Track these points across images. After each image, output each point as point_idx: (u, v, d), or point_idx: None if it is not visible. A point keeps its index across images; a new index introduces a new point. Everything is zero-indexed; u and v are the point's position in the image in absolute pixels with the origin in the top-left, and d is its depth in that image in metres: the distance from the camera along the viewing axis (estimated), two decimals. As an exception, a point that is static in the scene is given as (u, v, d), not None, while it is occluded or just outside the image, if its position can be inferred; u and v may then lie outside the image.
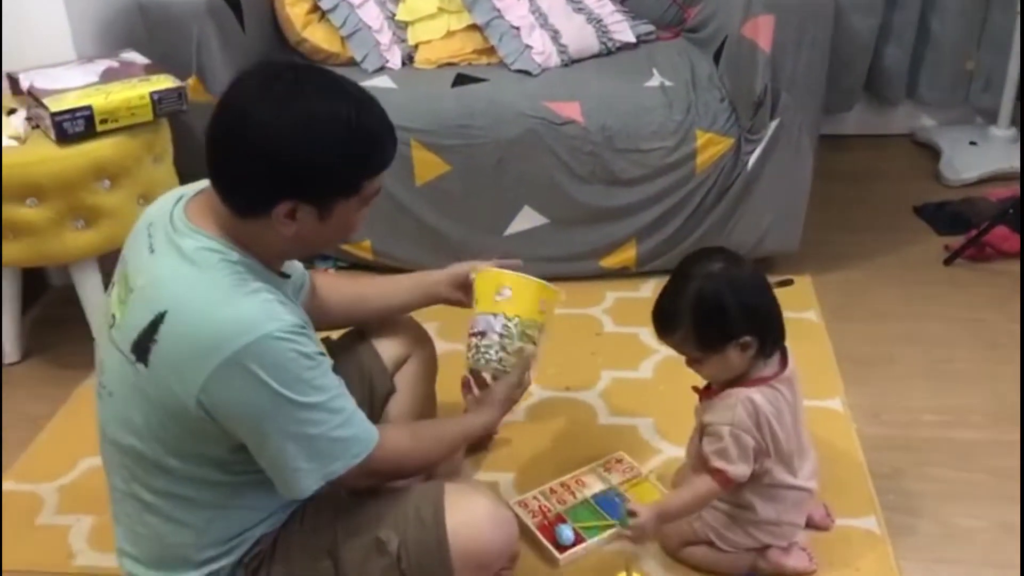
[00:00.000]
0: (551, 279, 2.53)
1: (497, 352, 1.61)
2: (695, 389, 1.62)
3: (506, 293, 1.61)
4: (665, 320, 1.54)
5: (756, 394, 1.52)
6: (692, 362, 1.56)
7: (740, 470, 1.51)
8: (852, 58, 3.07)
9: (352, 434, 1.32)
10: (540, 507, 1.80)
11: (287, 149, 1.20)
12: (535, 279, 1.64)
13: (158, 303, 1.24)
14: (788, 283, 2.51)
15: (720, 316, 1.48)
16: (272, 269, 1.34)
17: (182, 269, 1.25)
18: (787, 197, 2.42)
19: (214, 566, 1.40)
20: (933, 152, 3.15)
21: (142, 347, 1.25)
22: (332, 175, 1.25)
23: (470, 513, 1.41)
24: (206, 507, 1.35)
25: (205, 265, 1.25)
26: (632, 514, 1.55)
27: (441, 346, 2.32)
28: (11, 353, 2.34)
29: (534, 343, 1.65)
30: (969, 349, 2.25)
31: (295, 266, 1.57)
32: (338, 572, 1.41)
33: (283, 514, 1.45)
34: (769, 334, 1.54)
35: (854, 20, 2.99)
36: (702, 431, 1.57)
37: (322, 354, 1.31)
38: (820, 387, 2.11)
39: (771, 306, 1.56)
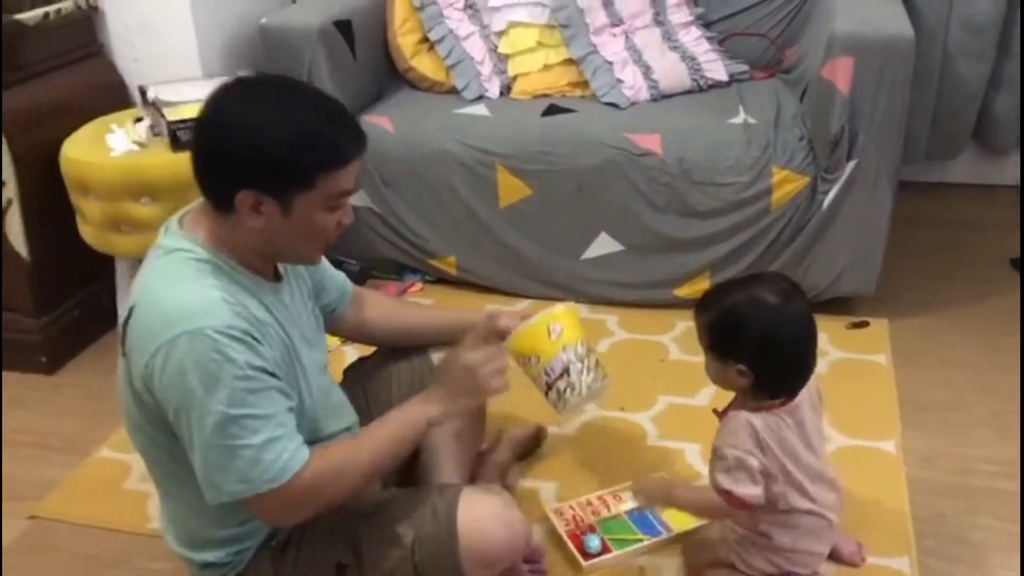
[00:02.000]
0: (625, 305, 2.61)
1: (585, 376, 1.65)
2: (715, 412, 1.67)
3: (557, 329, 1.64)
4: (703, 304, 1.62)
5: (756, 419, 1.55)
6: (705, 352, 1.63)
7: (749, 491, 1.54)
8: (958, 105, 3.04)
9: (267, 459, 1.31)
10: (574, 516, 1.87)
11: (240, 137, 1.30)
12: (563, 306, 1.70)
13: (133, 298, 1.36)
14: (863, 325, 2.50)
15: (734, 337, 1.54)
16: (253, 270, 1.40)
17: (155, 267, 1.36)
18: (864, 239, 2.41)
19: (239, 546, 1.50)
20: (1042, 205, 3.07)
21: (122, 339, 1.37)
22: (282, 163, 1.30)
23: (481, 512, 1.49)
24: None
25: (171, 261, 1.35)
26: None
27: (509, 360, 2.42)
28: (124, 338, 2.58)
29: (593, 354, 1.70)
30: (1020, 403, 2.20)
31: (334, 277, 1.68)
32: (357, 559, 1.50)
33: None
34: (771, 380, 1.56)
35: (963, 67, 2.97)
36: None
37: (264, 370, 1.32)
38: (875, 429, 2.11)
39: (792, 360, 1.57)
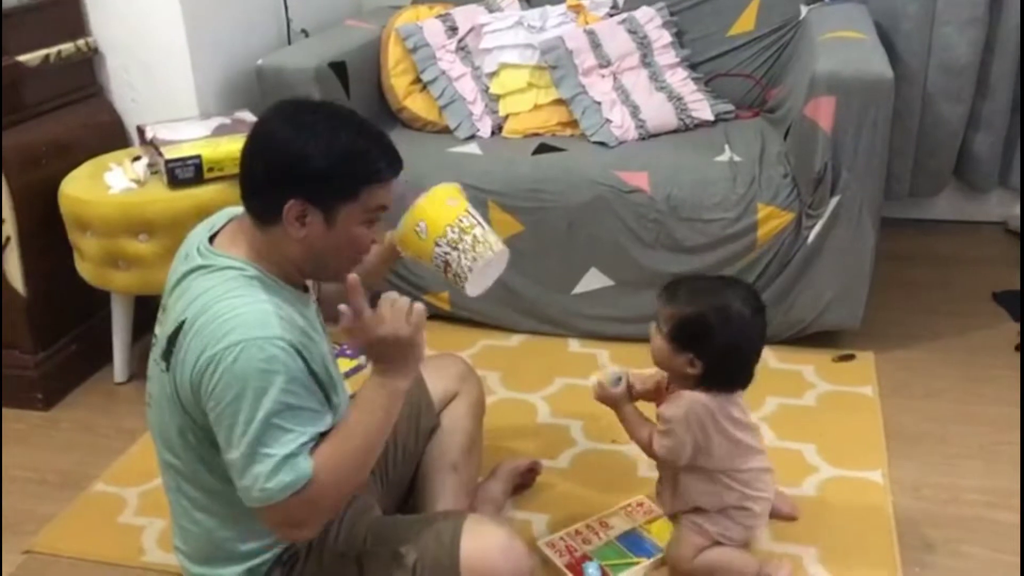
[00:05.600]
0: (617, 339, 2.62)
1: (466, 260, 1.64)
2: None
3: (422, 227, 1.64)
4: (674, 295, 1.74)
5: (702, 398, 1.71)
6: (655, 331, 1.75)
7: (667, 455, 1.74)
8: (939, 144, 3.11)
9: (285, 470, 1.34)
10: (567, 547, 1.89)
11: (293, 149, 1.38)
12: (424, 196, 1.67)
13: (181, 314, 1.40)
14: (850, 358, 2.54)
15: (700, 337, 1.68)
16: (292, 284, 1.48)
17: (203, 283, 1.41)
18: (848, 273, 2.46)
19: (256, 560, 1.53)
20: (1024, 241, 3.13)
21: (167, 353, 1.42)
22: (331, 173, 1.39)
23: (484, 541, 1.51)
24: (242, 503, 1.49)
25: (222, 279, 1.41)
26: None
27: (504, 394, 2.47)
28: (120, 373, 2.60)
29: (472, 230, 1.65)
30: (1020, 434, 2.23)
31: None
32: None
33: None
34: (721, 377, 1.71)
35: (942, 107, 3.04)
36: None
37: (304, 384, 1.36)
38: (863, 459, 2.14)
39: (746, 366, 1.73)
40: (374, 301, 1.46)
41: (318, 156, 1.38)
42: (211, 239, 1.49)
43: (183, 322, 1.39)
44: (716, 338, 1.67)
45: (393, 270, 2.43)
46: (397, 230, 1.68)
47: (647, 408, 1.83)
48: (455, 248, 1.63)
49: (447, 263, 1.64)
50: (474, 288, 1.68)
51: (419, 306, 1.44)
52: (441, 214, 1.65)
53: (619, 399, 1.79)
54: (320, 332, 1.55)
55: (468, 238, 1.65)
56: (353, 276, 1.42)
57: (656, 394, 1.85)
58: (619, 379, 1.80)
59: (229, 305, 1.37)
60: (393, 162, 1.45)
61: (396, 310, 1.42)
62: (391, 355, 1.44)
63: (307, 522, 1.42)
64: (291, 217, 1.40)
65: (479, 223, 1.68)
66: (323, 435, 1.40)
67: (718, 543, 1.79)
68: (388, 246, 1.75)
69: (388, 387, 1.44)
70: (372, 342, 1.43)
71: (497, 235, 1.70)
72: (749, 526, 1.80)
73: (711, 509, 1.79)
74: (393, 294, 1.45)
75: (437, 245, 1.64)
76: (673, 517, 1.87)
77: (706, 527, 1.79)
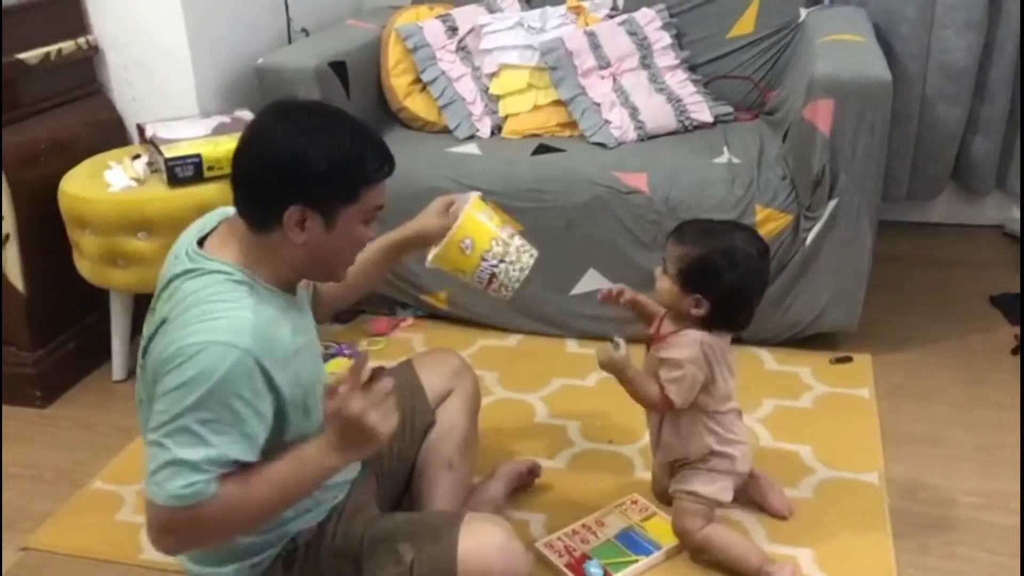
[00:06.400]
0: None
1: (513, 272, 1.68)
2: (650, 337, 1.86)
3: (468, 244, 1.66)
4: (685, 236, 1.78)
5: (707, 337, 1.76)
6: (661, 273, 1.80)
7: (682, 399, 1.76)
8: (937, 147, 3.12)
9: (190, 477, 1.30)
10: (566, 547, 1.90)
11: (294, 156, 1.37)
12: (465, 212, 1.67)
13: (161, 314, 1.40)
14: (847, 360, 2.54)
15: (709, 278, 1.73)
16: (282, 289, 1.46)
17: (190, 287, 1.40)
18: (846, 276, 2.47)
19: (255, 558, 1.54)
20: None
21: (145, 351, 1.42)
22: (331, 177, 1.38)
23: (483, 540, 1.51)
24: None
25: (206, 281, 1.39)
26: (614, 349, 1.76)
27: (501, 394, 2.47)
28: (118, 371, 2.60)
29: (513, 240, 1.69)
30: (1020, 436, 2.24)
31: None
32: (358, 574, 1.54)
33: (317, 513, 1.59)
34: (725, 318, 1.77)
35: (940, 110, 3.05)
36: (659, 364, 1.79)
37: (253, 407, 1.34)
38: (859, 461, 2.15)
39: (749, 308, 1.79)
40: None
41: (317, 161, 1.37)
42: (203, 240, 1.48)
43: (164, 321, 1.39)
44: (723, 280, 1.71)
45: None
46: (439, 249, 1.67)
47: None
48: (503, 260, 1.66)
49: (493, 275, 1.67)
50: (512, 293, 1.72)
51: (397, 413, 1.39)
52: (485, 229, 1.68)
53: (623, 363, 1.78)
54: (310, 338, 1.53)
55: (512, 249, 1.68)
56: (362, 351, 1.36)
57: (648, 324, 1.90)
58: (619, 344, 1.77)
59: (208, 308, 1.35)
60: (388, 161, 1.45)
61: (384, 407, 1.36)
62: (354, 438, 1.37)
63: (182, 537, 1.38)
64: (291, 223, 1.39)
65: (514, 233, 1.72)
66: (244, 466, 1.36)
67: (719, 503, 1.84)
68: (390, 249, 1.75)
69: (331, 459, 1.38)
70: (347, 418, 1.35)
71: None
72: (738, 472, 1.85)
73: (693, 458, 1.83)
74: (389, 386, 1.38)
75: (483, 260, 1.66)
76: (670, 491, 1.91)
77: (701, 491, 1.82)
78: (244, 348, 1.32)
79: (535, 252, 1.72)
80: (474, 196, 1.72)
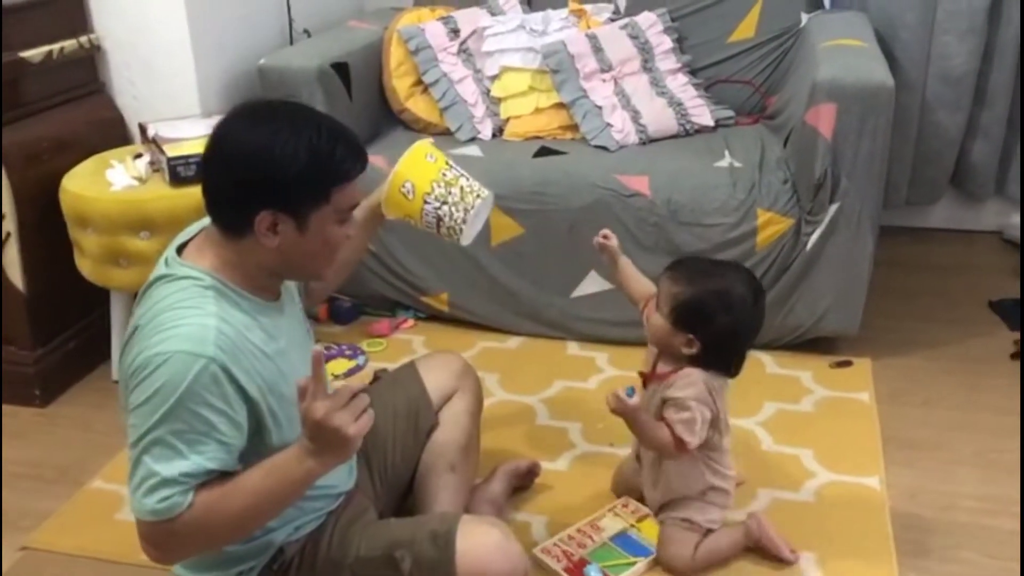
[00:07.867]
0: (616, 343, 2.62)
1: (458, 213, 1.65)
2: (641, 374, 1.85)
3: (409, 187, 1.65)
4: (679, 275, 1.76)
5: (706, 376, 1.74)
6: (655, 308, 1.78)
7: (697, 440, 1.72)
8: (937, 153, 3.13)
9: (166, 491, 1.31)
10: (563, 551, 1.89)
11: (259, 161, 1.35)
12: (405, 157, 1.67)
13: (135, 321, 1.39)
14: (847, 364, 2.55)
15: (703, 319, 1.71)
16: (258, 292, 1.44)
17: (161, 292, 1.39)
18: (847, 280, 2.47)
19: (243, 566, 1.53)
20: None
21: (122, 356, 1.41)
22: (300, 181, 1.36)
23: (479, 541, 1.51)
24: None
25: (176, 288, 1.38)
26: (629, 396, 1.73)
27: (502, 397, 2.47)
28: (117, 371, 2.59)
29: (458, 181, 1.67)
30: (1020, 441, 2.24)
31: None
32: None
33: (305, 524, 1.57)
34: (717, 359, 1.75)
35: (940, 116, 3.06)
36: (662, 405, 1.77)
37: (223, 413, 1.32)
38: (860, 465, 2.15)
39: (742, 350, 1.78)
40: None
41: (283, 164, 1.34)
42: (184, 247, 1.47)
43: (136, 328, 1.38)
44: (716, 322, 1.70)
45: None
46: (382, 194, 1.67)
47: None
48: (445, 202, 1.65)
49: (439, 219, 1.66)
50: (467, 238, 1.70)
51: (371, 412, 1.33)
52: (425, 171, 1.66)
53: (635, 409, 1.76)
54: (292, 343, 1.50)
55: (456, 190, 1.66)
56: (317, 349, 1.33)
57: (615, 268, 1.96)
58: (633, 391, 1.76)
59: (172, 316, 1.34)
60: (359, 158, 1.43)
61: (352, 407, 1.30)
62: (325, 440, 1.31)
63: (166, 549, 1.38)
64: (263, 228, 1.37)
65: (462, 174, 1.70)
66: (223, 474, 1.34)
67: (709, 530, 1.84)
68: (370, 213, 1.73)
69: (307, 464, 1.33)
70: (317, 422, 1.29)
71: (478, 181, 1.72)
72: (723, 506, 1.86)
73: (693, 494, 1.82)
74: (357, 387, 1.34)
75: (426, 203, 1.65)
76: (658, 518, 1.90)
77: (695, 519, 1.82)
78: (209, 356, 1.31)
79: (485, 193, 1.69)
80: (421, 141, 1.72)
